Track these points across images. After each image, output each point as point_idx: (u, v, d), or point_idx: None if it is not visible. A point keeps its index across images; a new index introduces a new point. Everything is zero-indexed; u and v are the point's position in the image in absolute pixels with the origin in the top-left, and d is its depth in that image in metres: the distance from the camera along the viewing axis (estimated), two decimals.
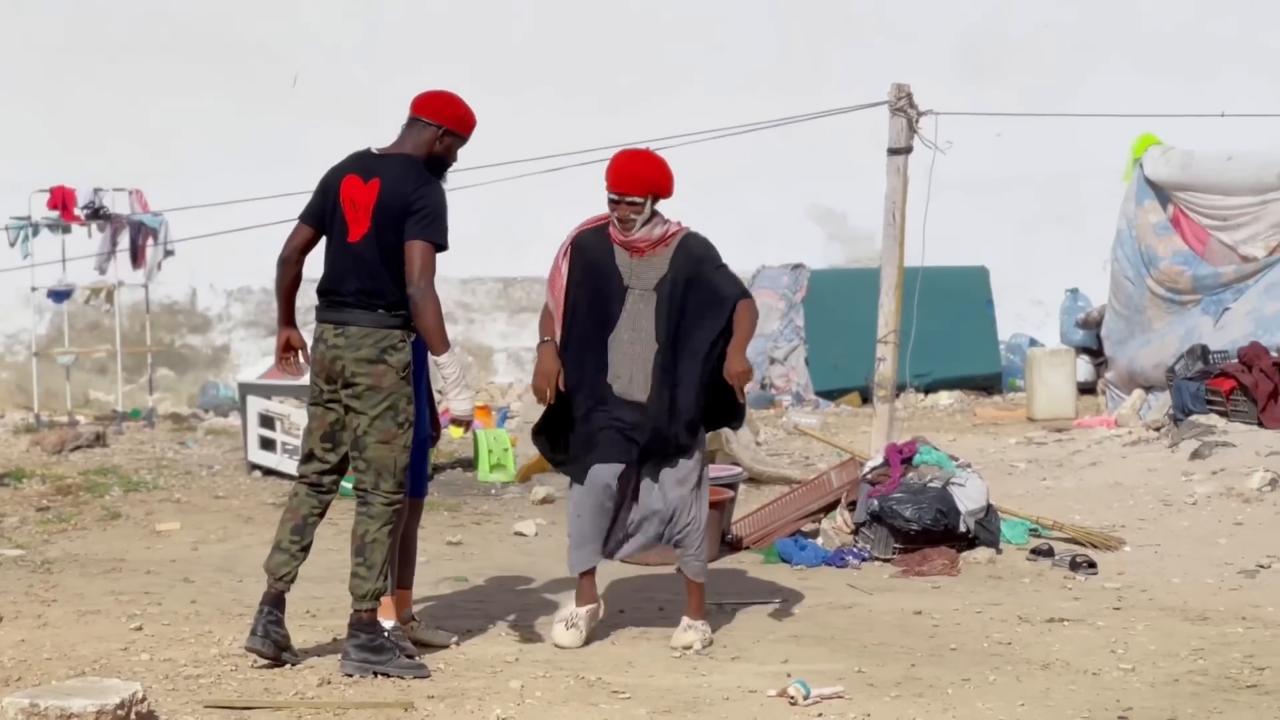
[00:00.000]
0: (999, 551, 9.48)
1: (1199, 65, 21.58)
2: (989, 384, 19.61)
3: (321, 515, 6.91)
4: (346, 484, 6.94)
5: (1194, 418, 12.90)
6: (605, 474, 7.24)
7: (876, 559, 9.37)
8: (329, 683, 6.52)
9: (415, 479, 7.08)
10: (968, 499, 9.45)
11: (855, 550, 9.46)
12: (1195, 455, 12.01)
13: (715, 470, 9.42)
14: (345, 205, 6.73)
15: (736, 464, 11.41)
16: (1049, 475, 12.40)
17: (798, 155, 20.10)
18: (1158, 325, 15.50)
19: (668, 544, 7.42)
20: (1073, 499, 11.24)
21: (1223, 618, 7.88)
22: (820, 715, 6.17)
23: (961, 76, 20.37)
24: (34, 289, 17.14)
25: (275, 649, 6.71)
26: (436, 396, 7.57)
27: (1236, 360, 13.27)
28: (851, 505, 9.78)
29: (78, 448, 14.38)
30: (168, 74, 20.47)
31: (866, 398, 16.57)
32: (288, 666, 6.72)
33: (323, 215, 6.81)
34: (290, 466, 12.08)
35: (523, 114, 18.96)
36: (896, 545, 9.35)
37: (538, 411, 7.55)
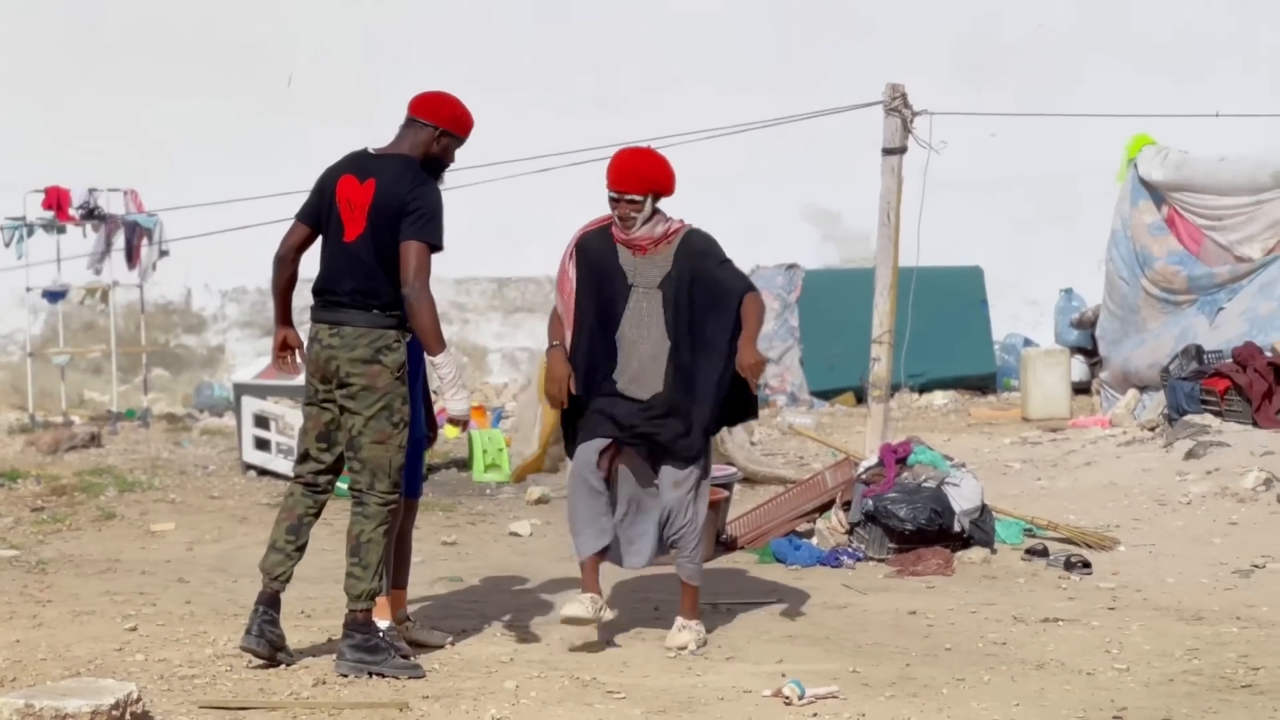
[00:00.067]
0: (994, 551, 9.49)
1: (1193, 65, 21.61)
2: (984, 384, 19.62)
3: (317, 515, 6.91)
4: (342, 484, 6.94)
5: (1188, 417, 12.91)
6: (588, 451, 7.23)
7: (871, 559, 9.38)
8: (324, 683, 6.51)
9: (410, 479, 7.08)
10: (962, 499, 9.45)
11: (850, 550, 9.46)
12: (1190, 455, 12.02)
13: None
14: (341, 205, 6.73)
15: (731, 464, 11.41)
16: (1044, 475, 12.41)
17: (792, 155, 20.13)
18: (1152, 325, 15.51)
19: (668, 545, 7.42)
20: (1067, 499, 11.24)
21: (1217, 617, 7.88)
22: (815, 715, 6.17)
23: (956, 77, 20.39)
24: (29, 289, 17.14)
25: (270, 649, 6.71)
26: (433, 397, 7.57)
27: (1231, 360, 13.28)
28: (846, 505, 9.79)
29: (73, 448, 14.38)
30: (163, 74, 20.47)
31: (861, 398, 16.58)
32: (283, 666, 6.72)
33: (319, 215, 6.81)
34: (285, 466, 12.08)
35: (518, 114, 18.97)
36: (891, 545, 9.35)
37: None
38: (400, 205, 6.63)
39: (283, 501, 6.95)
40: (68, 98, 20.39)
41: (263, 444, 12.88)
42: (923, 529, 9.30)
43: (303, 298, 6.76)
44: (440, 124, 6.82)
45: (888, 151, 10.59)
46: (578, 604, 7.14)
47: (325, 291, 6.77)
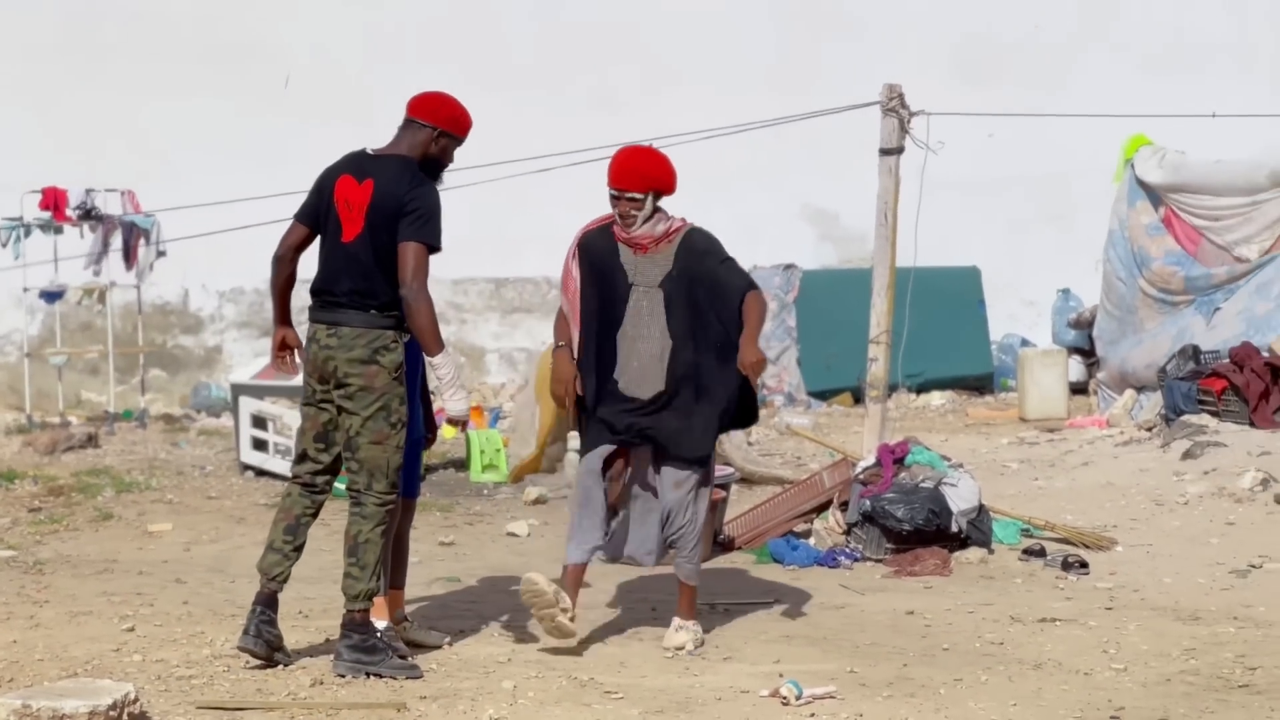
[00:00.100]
0: (991, 551, 9.49)
1: (1190, 66, 21.62)
2: (981, 384, 19.64)
3: (315, 515, 6.91)
4: (340, 484, 6.94)
5: (1186, 418, 12.92)
6: (593, 460, 7.24)
7: (869, 559, 9.38)
8: (321, 683, 6.51)
9: (408, 479, 7.08)
10: (960, 499, 9.45)
11: (847, 550, 9.46)
12: (1187, 455, 12.02)
13: None
14: (339, 205, 6.73)
15: (729, 464, 11.42)
16: (1041, 475, 12.41)
17: (790, 155, 20.14)
18: (1149, 325, 15.52)
19: (666, 545, 7.42)
20: (1064, 499, 11.25)
21: (1214, 617, 7.89)
22: (812, 715, 6.18)
23: (954, 77, 20.40)
24: (26, 289, 17.14)
25: (268, 649, 6.71)
26: (432, 397, 7.57)
27: (1228, 360, 13.29)
28: (844, 505, 9.79)
29: (70, 448, 14.38)
30: (160, 74, 20.47)
31: (858, 398, 16.60)
32: (280, 667, 6.72)
33: (317, 215, 6.81)
34: (282, 467, 12.08)
35: (516, 114, 18.97)
36: (889, 545, 9.36)
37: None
38: (398, 206, 6.63)
39: (280, 502, 6.95)
40: (65, 98, 20.38)
41: (260, 444, 12.88)
42: (920, 529, 9.31)
43: (301, 298, 6.76)
44: (438, 124, 6.82)
45: (885, 152, 10.60)
46: (542, 578, 7.09)
47: (323, 292, 6.77)
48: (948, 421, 16.92)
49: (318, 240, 6.85)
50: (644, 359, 7.23)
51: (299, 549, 6.85)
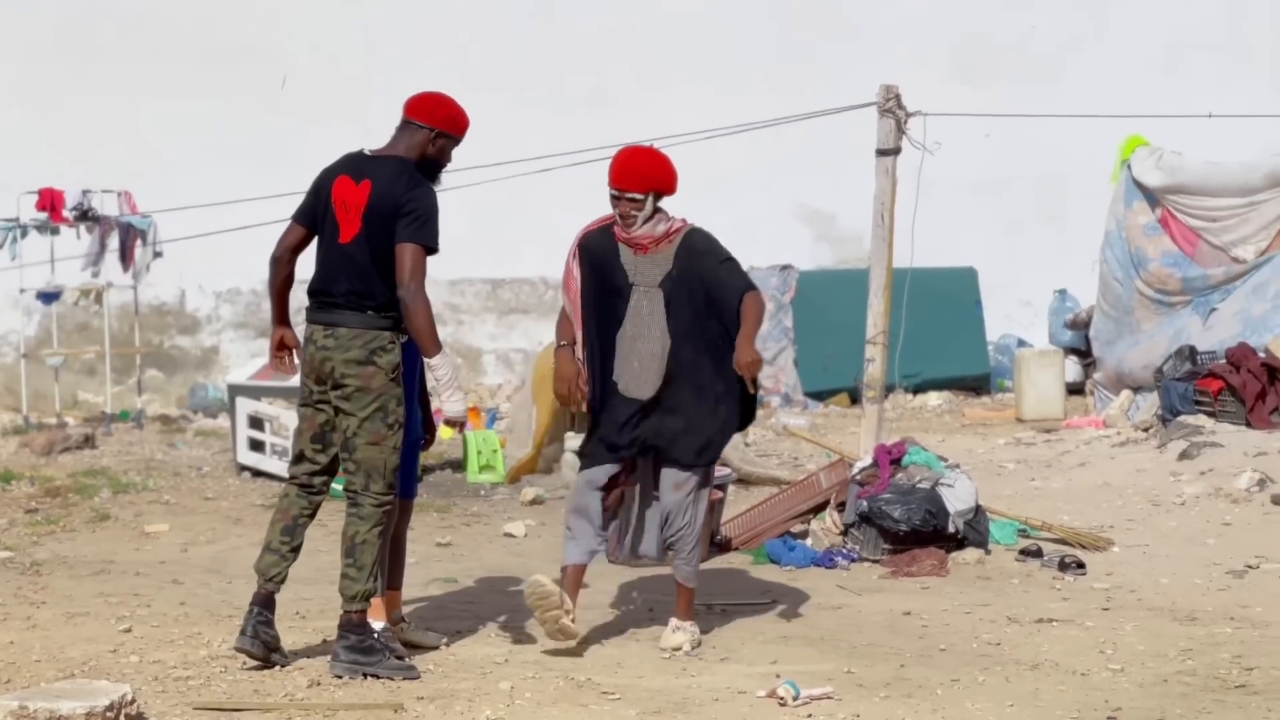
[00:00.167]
0: (988, 552, 9.49)
1: (1186, 67, 21.63)
2: (978, 385, 19.64)
3: (312, 516, 6.91)
4: (337, 485, 6.94)
5: (1182, 418, 12.92)
6: (593, 475, 7.26)
7: (865, 560, 9.38)
8: (318, 684, 6.51)
9: (405, 480, 7.08)
10: (956, 500, 9.46)
11: (844, 551, 9.47)
12: (1183, 456, 12.03)
13: None
14: (336, 206, 6.73)
15: (725, 465, 11.41)
16: (1037, 476, 12.42)
17: (787, 156, 20.14)
18: (1146, 326, 15.53)
19: (665, 547, 7.42)
20: (1061, 499, 11.25)
21: (1211, 618, 7.89)
22: (809, 716, 6.18)
23: (951, 77, 20.40)
24: (22, 290, 17.14)
25: (265, 650, 6.70)
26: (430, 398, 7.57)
27: (1224, 361, 13.30)
28: (840, 506, 9.79)
29: (66, 449, 14.37)
30: (157, 75, 20.46)
31: (855, 398, 16.61)
32: (277, 668, 6.72)
33: (315, 216, 6.82)
34: (279, 468, 12.07)
35: (513, 114, 18.97)
36: (885, 546, 9.36)
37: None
38: (395, 207, 6.63)
39: (278, 503, 6.95)
40: (62, 99, 20.37)
41: (257, 445, 12.88)
42: (917, 530, 9.31)
43: (299, 298, 6.76)
44: (435, 125, 6.82)
45: (882, 153, 10.60)
46: (548, 579, 7.10)
47: (320, 293, 6.77)
48: (944, 422, 16.92)
49: (315, 241, 6.85)
50: (644, 359, 7.23)
51: (296, 550, 6.85)
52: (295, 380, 7.04)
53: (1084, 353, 17.84)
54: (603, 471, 7.24)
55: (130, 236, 16.63)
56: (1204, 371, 13.32)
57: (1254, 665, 6.95)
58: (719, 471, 10.41)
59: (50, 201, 16.49)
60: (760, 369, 7.19)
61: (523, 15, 21.72)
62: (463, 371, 20.47)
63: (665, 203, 7.30)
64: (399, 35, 21.26)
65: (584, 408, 7.36)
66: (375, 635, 6.75)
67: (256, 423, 12.86)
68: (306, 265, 6.88)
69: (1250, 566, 9.10)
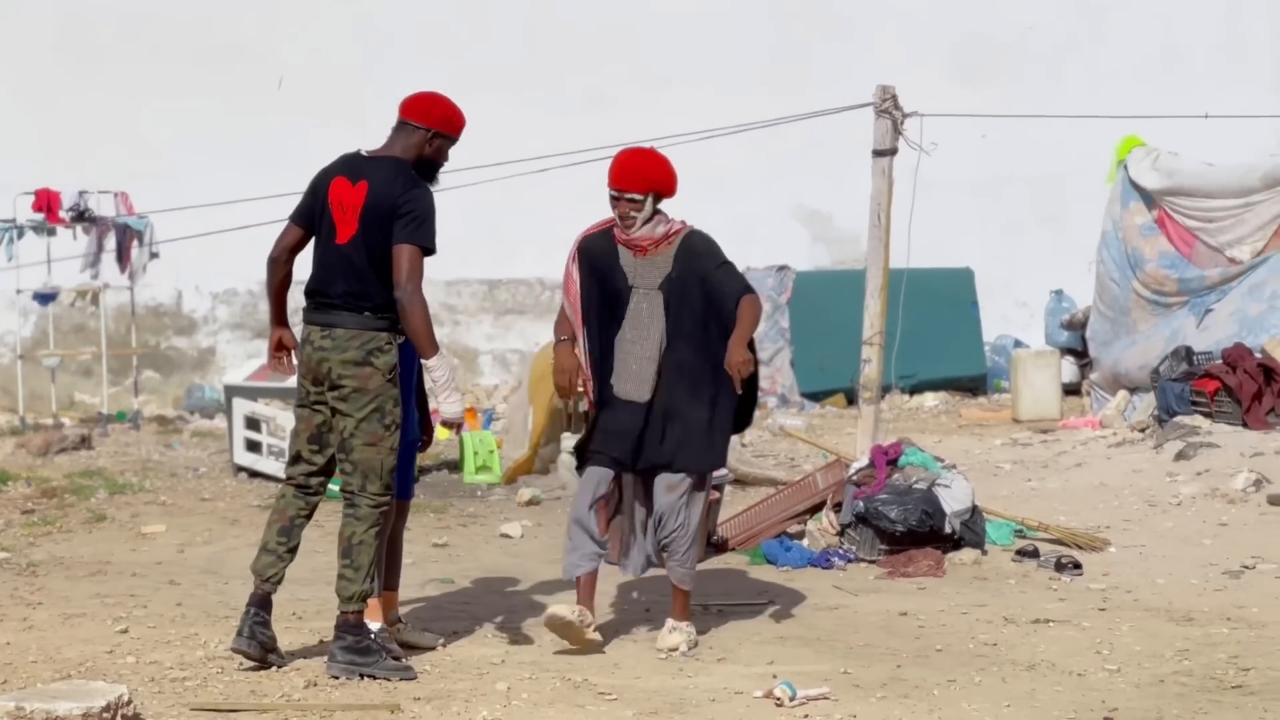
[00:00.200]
0: (984, 553, 9.50)
1: (1183, 67, 21.64)
2: (974, 385, 19.64)
3: (309, 517, 6.91)
4: (334, 486, 6.94)
5: (1178, 419, 12.92)
6: (592, 478, 7.27)
7: (862, 560, 9.38)
8: (315, 685, 6.52)
9: (402, 481, 7.08)
10: (953, 500, 9.46)
11: (841, 551, 9.47)
12: (1180, 456, 12.03)
13: None
14: (333, 207, 6.73)
15: (722, 465, 11.41)
16: (1034, 476, 12.42)
17: (784, 156, 20.13)
18: (1143, 327, 15.54)
19: (659, 549, 7.43)
20: (1058, 500, 11.26)
21: (1208, 618, 7.90)
22: (806, 716, 6.18)
23: (947, 78, 20.39)
24: (19, 291, 17.12)
25: (261, 651, 6.70)
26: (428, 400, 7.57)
27: (1221, 361, 13.30)
28: (837, 507, 9.79)
29: (63, 450, 14.36)
30: (154, 76, 20.43)
31: (852, 399, 16.60)
32: (274, 668, 6.72)
33: (312, 216, 6.82)
34: (276, 468, 12.07)
35: (510, 115, 18.95)
36: (882, 546, 9.36)
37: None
38: (392, 208, 6.63)
39: (274, 503, 6.96)
40: (58, 99, 20.35)
41: (254, 446, 12.87)
42: (913, 530, 9.31)
43: (297, 298, 6.76)
44: (432, 125, 6.82)
45: (878, 153, 10.60)
46: (565, 607, 7.14)
47: (317, 293, 6.77)
48: (941, 423, 16.92)
49: (313, 242, 6.85)
50: (642, 361, 7.23)
51: (293, 550, 6.85)
52: (292, 381, 7.04)
53: (1080, 353, 17.83)
54: (601, 475, 7.24)
55: (127, 237, 16.62)
56: (1200, 372, 13.32)
57: (1250, 665, 6.95)
58: (716, 472, 10.44)
59: (47, 202, 16.47)
60: (749, 370, 7.19)
61: (520, 15, 21.71)
62: (459, 372, 20.47)
63: (664, 204, 7.30)
64: (396, 35, 21.24)
65: (585, 402, 7.37)
66: (372, 636, 6.75)
67: (253, 423, 12.86)
68: (305, 266, 6.88)
69: (1246, 567, 9.11)
